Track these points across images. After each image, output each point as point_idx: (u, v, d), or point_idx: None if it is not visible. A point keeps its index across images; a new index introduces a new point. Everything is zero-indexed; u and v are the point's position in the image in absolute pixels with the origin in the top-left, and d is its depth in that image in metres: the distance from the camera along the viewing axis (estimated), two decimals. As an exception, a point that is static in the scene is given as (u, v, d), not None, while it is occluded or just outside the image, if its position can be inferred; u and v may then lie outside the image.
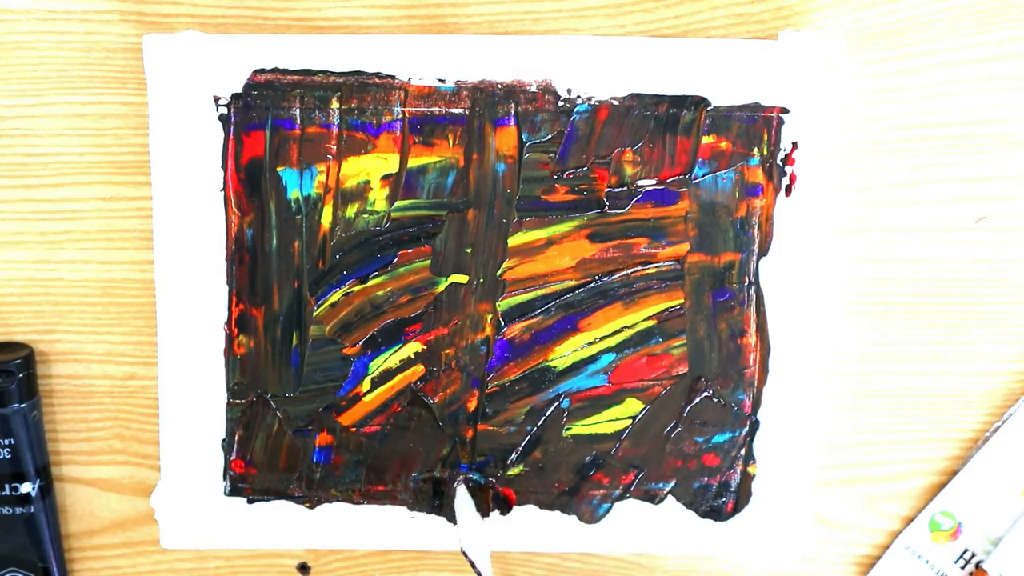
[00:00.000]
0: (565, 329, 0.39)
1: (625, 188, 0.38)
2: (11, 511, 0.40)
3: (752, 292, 0.39)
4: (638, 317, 0.39)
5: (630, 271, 0.39)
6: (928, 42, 0.38)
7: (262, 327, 0.39)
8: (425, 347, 0.39)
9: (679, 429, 0.40)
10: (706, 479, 0.41)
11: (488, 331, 0.39)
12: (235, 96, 0.37)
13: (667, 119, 0.38)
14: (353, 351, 0.39)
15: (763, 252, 0.39)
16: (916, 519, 0.43)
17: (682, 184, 0.38)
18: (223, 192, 0.38)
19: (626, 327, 0.39)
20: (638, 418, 0.40)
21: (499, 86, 0.37)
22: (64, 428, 0.41)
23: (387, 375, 0.40)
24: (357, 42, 0.37)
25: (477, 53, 0.37)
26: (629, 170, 0.38)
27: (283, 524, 0.41)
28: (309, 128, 0.38)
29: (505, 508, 0.41)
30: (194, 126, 0.37)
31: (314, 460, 0.40)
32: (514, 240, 0.39)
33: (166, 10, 0.38)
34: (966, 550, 0.42)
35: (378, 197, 0.38)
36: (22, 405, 0.39)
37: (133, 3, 0.38)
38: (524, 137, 0.38)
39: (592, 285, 0.39)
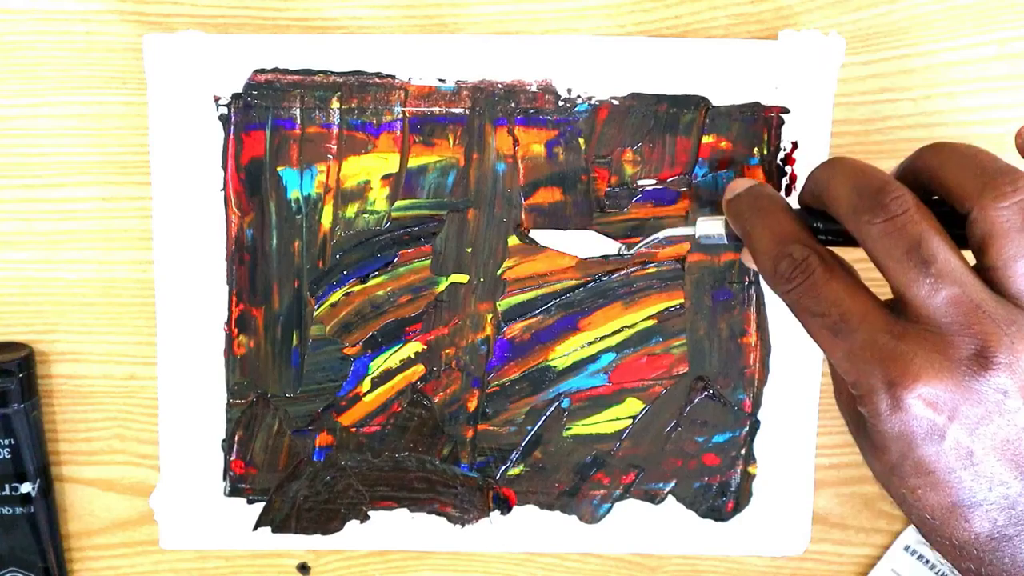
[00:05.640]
0: (565, 329, 0.39)
1: (625, 188, 0.38)
2: (11, 511, 0.40)
3: (752, 292, 0.39)
4: (638, 317, 0.39)
5: (630, 271, 0.39)
6: (928, 42, 0.38)
7: (262, 327, 0.39)
8: (425, 347, 0.39)
9: (679, 429, 0.40)
10: (706, 479, 0.41)
11: (488, 331, 0.39)
12: (235, 96, 0.37)
13: (667, 119, 0.38)
14: (353, 351, 0.39)
15: (763, 252, 0.39)
16: (916, 519, 0.42)
17: (682, 184, 0.38)
18: (223, 192, 0.38)
19: (626, 327, 0.39)
20: (638, 418, 0.40)
21: (499, 86, 0.37)
22: (64, 428, 0.41)
23: (387, 375, 0.40)
24: (357, 42, 0.37)
25: (477, 53, 0.37)
26: (629, 170, 0.38)
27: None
28: (309, 128, 0.38)
29: (505, 508, 0.41)
30: (194, 126, 0.37)
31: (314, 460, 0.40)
32: (514, 240, 0.39)
33: (166, 10, 0.38)
34: (966, 550, 0.42)
35: (378, 197, 0.38)
36: (22, 405, 0.39)
37: (133, 3, 0.38)
38: (524, 137, 0.38)
39: (592, 285, 0.39)
